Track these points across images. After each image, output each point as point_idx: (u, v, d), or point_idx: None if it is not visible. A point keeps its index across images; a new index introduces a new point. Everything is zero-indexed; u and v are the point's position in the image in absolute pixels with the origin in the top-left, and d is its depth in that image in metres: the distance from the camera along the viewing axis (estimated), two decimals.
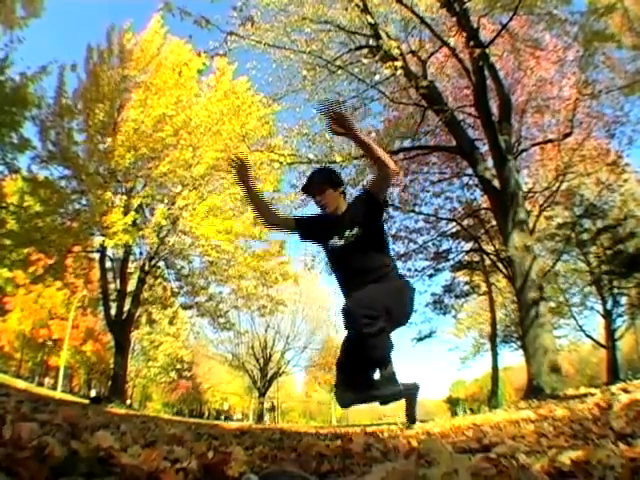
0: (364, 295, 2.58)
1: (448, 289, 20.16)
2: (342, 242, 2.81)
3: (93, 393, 28.72)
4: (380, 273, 2.74)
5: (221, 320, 20.62)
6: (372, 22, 9.95)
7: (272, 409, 34.39)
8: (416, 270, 17.67)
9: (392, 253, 3.41)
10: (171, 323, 22.64)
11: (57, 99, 16.73)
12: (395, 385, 2.66)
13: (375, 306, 2.52)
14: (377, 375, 2.73)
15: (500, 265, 16.05)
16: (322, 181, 2.91)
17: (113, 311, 18.10)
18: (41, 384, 30.34)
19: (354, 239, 2.76)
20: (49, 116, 16.62)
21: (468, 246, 18.38)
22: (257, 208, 3.05)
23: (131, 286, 19.03)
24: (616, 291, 19.70)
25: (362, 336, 2.52)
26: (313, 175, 3.04)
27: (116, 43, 17.76)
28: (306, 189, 3.00)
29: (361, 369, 2.80)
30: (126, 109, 16.75)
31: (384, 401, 2.75)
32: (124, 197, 16.62)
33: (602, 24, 10.36)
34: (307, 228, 3.05)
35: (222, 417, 37.75)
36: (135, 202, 16.47)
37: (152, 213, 17.80)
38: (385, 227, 3.01)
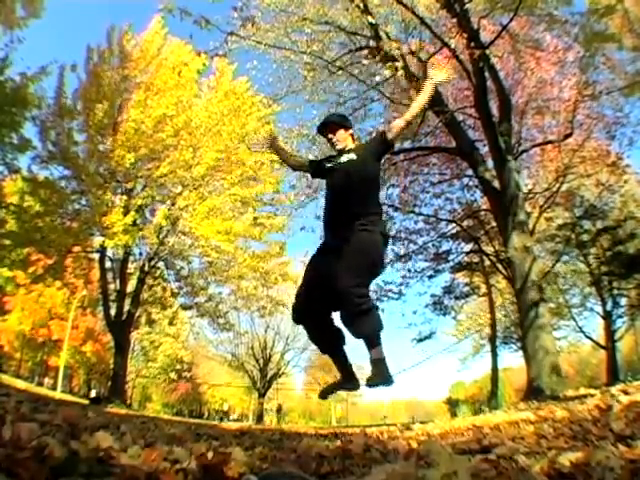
0: (350, 268, 2.67)
1: (448, 290, 20.16)
2: (336, 164, 3.12)
3: (93, 393, 28.64)
4: (363, 222, 2.82)
5: (221, 321, 20.60)
6: (373, 22, 9.95)
7: (279, 410, 34.15)
8: (416, 271, 17.69)
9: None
10: (171, 323, 22.62)
11: (57, 99, 16.72)
12: (385, 371, 2.64)
13: (363, 274, 2.74)
14: (368, 356, 2.69)
15: (500, 266, 16.04)
16: (335, 121, 3.31)
17: (113, 311, 18.09)
18: (41, 384, 30.32)
19: (347, 163, 3.04)
20: (49, 116, 16.61)
21: (468, 247, 18.38)
22: (283, 160, 3.69)
23: (131, 286, 19.01)
24: (616, 292, 19.68)
25: (356, 313, 2.65)
26: (327, 117, 3.46)
27: (116, 44, 17.74)
28: (321, 129, 3.34)
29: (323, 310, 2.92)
30: (126, 109, 16.73)
31: (372, 384, 2.68)
32: (124, 197, 16.60)
33: (602, 25, 10.37)
34: (317, 166, 3.39)
35: (216, 417, 37.52)
36: (135, 202, 16.45)
37: (152, 213, 17.79)
38: (380, 172, 3.35)
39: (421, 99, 3.20)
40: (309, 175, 3.77)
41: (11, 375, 25.18)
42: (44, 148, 16.64)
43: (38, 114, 15.97)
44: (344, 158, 3.08)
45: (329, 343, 3.00)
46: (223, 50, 9.33)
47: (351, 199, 2.89)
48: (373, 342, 2.68)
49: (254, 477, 1.22)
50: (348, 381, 2.98)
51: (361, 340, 2.71)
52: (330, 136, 3.22)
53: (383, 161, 3.39)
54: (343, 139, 3.20)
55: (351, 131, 3.30)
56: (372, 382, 2.65)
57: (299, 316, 2.96)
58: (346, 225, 2.81)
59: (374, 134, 3.41)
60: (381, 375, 2.63)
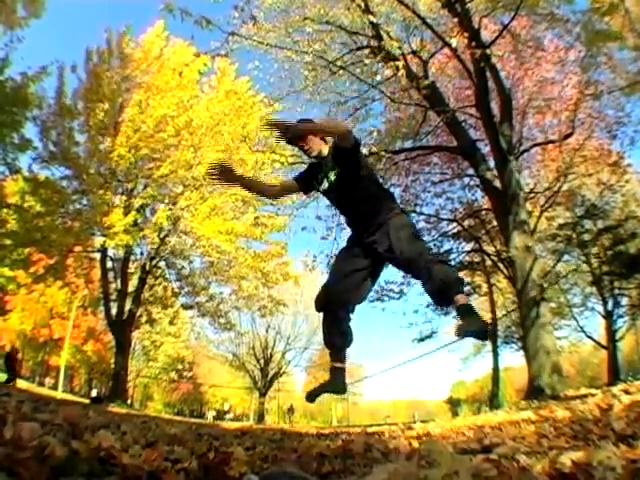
0: (405, 238, 2.66)
1: None
2: (330, 184, 2.96)
3: (94, 393, 28.64)
4: (385, 214, 2.79)
5: (222, 320, 20.62)
6: (374, 21, 9.93)
7: (290, 411, 33.96)
8: None
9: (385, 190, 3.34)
10: (172, 323, 22.65)
11: (58, 99, 16.76)
12: (480, 317, 2.48)
13: (419, 239, 2.84)
14: (456, 305, 2.52)
15: (501, 266, 16.02)
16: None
17: (114, 311, 18.13)
18: (42, 384, 30.34)
19: (337, 179, 2.91)
20: (50, 116, 16.65)
21: (469, 247, 18.35)
22: (259, 194, 3.47)
23: (132, 286, 19.05)
24: (617, 292, 19.67)
25: (435, 262, 2.61)
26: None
27: (115, 45, 17.76)
28: (290, 141, 3.06)
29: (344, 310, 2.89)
30: (127, 109, 16.75)
31: (467, 332, 2.49)
32: (125, 197, 16.63)
33: (604, 24, 10.36)
34: (304, 182, 3.20)
35: (210, 416, 37.44)
36: (136, 202, 16.47)
37: (153, 213, 17.80)
38: (364, 159, 3.11)
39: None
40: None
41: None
42: (45, 148, 16.69)
43: (39, 114, 16.03)
44: (331, 175, 2.93)
45: (341, 336, 2.93)
46: (224, 50, 9.32)
47: (363, 205, 2.85)
48: (457, 287, 2.54)
49: (255, 477, 1.22)
50: (337, 383, 2.87)
51: (442, 295, 2.58)
52: (301, 144, 3.04)
53: (366, 153, 3.25)
54: (316, 145, 3.03)
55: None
56: (467, 330, 2.46)
57: (324, 303, 2.90)
58: (372, 219, 2.78)
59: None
60: (476, 321, 2.44)
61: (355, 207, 2.91)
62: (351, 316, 2.92)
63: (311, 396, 2.97)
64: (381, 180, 3.33)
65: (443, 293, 2.56)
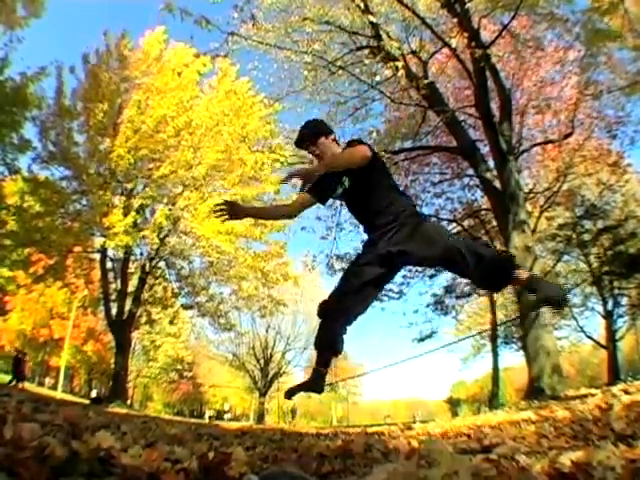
0: (435, 234, 2.61)
1: (449, 290, 20.16)
2: (345, 189, 2.85)
3: (94, 393, 28.68)
4: (404, 217, 2.69)
5: (221, 321, 20.62)
6: (373, 21, 9.93)
7: (293, 412, 33.90)
8: (417, 271, 17.68)
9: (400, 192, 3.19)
10: (171, 323, 22.63)
11: (57, 100, 16.77)
12: (548, 280, 2.45)
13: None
14: (521, 279, 2.42)
15: None
16: (313, 132, 2.93)
17: (114, 311, 18.13)
18: (42, 384, 30.38)
19: (353, 185, 2.81)
20: (49, 117, 16.65)
21: None
22: (276, 218, 3.21)
23: (132, 286, 19.05)
24: (617, 292, 19.68)
25: (480, 245, 2.60)
26: (303, 128, 3.01)
27: (114, 48, 17.76)
28: (299, 143, 3.00)
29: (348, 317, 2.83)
30: (126, 110, 16.74)
31: (548, 300, 2.37)
32: (124, 198, 16.64)
33: (604, 24, 10.36)
34: (319, 192, 3.00)
35: (207, 416, 37.43)
36: (136, 203, 16.47)
37: (153, 214, 17.80)
38: (379, 161, 2.92)
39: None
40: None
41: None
42: (44, 148, 16.70)
43: (38, 114, 16.01)
44: (346, 180, 2.83)
45: (334, 344, 2.89)
46: (224, 50, 9.33)
47: (379, 210, 2.73)
48: (513, 263, 2.48)
49: (255, 477, 1.22)
50: (316, 385, 2.88)
51: (499, 275, 2.46)
52: (312, 149, 2.92)
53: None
54: (327, 149, 2.90)
55: (333, 135, 2.99)
56: (548, 296, 2.32)
57: (327, 313, 2.82)
58: (390, 224, 2.67)
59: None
60: (554, 285, 2.36)
61: (371, 212, 2.79)
62: (348, 328, 2.87)
63: (290, 393, 3.00)
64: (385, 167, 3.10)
65: (500, 272, 2.46)
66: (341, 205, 11.01)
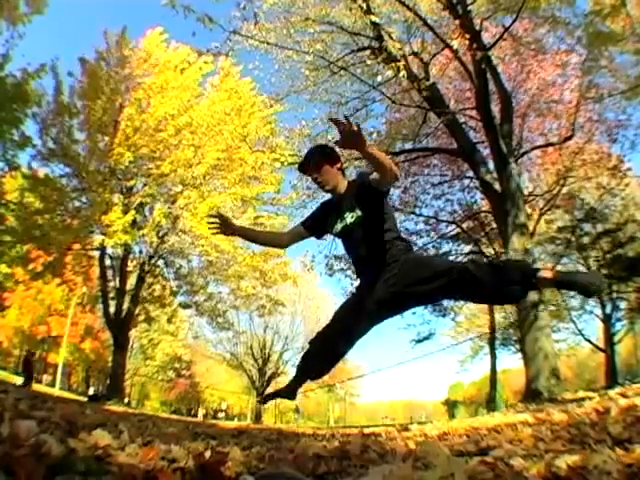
0: (426, 266, 2.54)
1: None
2: (345, 227, 2.71)
3: (91, 391, 28.65)
4: (395, 257, 2.60)
5: (219, 320, 20.61)
6: (375, 21, 9.92)
7: (297, 411, 33.88)
8: None
9: (399, 229, 3.05)
10: (169, 321, 22.64)
11: (56, 97, 16.74)
12: (578, 271, 2.38)
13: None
14: (548, 279, 2.29)
15: None
16: (318, 157, 2.80)
17: (112, 309, 18.10)
18: (39, 381, 30.32)
19: (357, 223, 2.65)
20: (49, 114, 16.62)
21: (468, 248, 18.35)
22: (264, 244, 3.29)
23: (130, 284, 19.04)
24: (615, 295, 19.69)
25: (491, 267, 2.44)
26: (309, 152, 2.92)
27: (114, 46, 17.73)
28: (302, 167, 2.90)
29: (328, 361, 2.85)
30: (127, 108, 16.72)
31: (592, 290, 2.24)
32: (124, 196, 16.62)
33: (605, 27, 10.38)
34: (315, 227, 2.97)
35: (200, 415, 37.42)
36: (135, 201, 16.45)
37: (152, 212, 17.79)
38: (388, 205, 2.78)
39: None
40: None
41: (10, 372, 25.19)
42: (44, 145, 16.65)
43: (38, 111, 15.99)
44: (348, 217, 2.67)
45: (314, 373, 3.00)
46: (226, 49, 9.33)
47: (377, 257, 2.60)
48: (531, 265, 2.43)
49: (251, 477, 1.22)
50: (291, 394, 2.96)
51: (524, 282, 2.32)
52: (315, 176, 2.77)
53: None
54: (332, 178, 2.76)
55: (339, 164, 2.83)
56: (590, 284, 2.20)
57: (316, 346, 2.82)
58: (387, 272, 2.54)
59: (359, 180, 2.77)
60: (587, 274, 2.31)
61: (368, 258, 2.65)
62: (334, 360, 2.92)
63: (266, 398, 3.12)
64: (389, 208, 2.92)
65: (523, 275, 2.33)
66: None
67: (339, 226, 2.74)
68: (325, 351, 2.80)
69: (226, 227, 2.86)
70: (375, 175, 2.49)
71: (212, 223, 2.84)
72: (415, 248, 17.18)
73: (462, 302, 18.80)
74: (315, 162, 2.78)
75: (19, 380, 15.99)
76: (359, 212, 2.64)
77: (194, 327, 28.18)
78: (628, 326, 21.89)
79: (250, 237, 3.29)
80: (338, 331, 2.71)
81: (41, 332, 30.91)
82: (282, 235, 3.21)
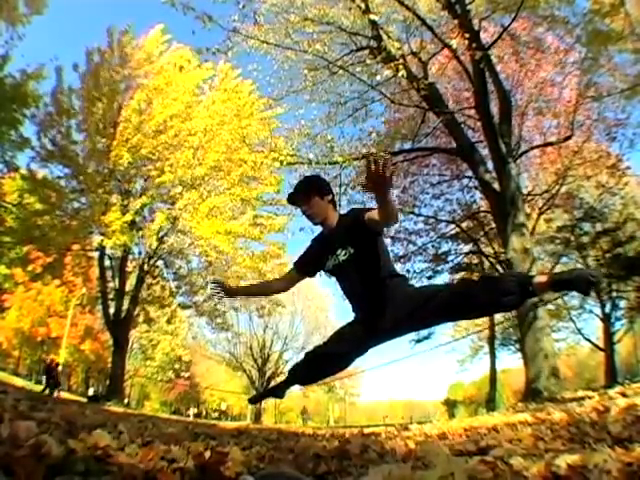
0: (422, 295, 2.56)
1: None
2: (337, 264, 2.65)
3: (91, 392, 28.59)
4: (391, 291, 2.56)
5: (219, 320, 20.62)
6: (375, 19, 9.91)
7: (304, 412, 33.92)
8: (415, 272, 17.66)
9: (392, 262, 3.04)
10: (169, 322, 22.64)
11: (56, 98, 16.73)
12: (571, 270, 2.39)
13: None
14: (546, 283, 2.26)
15: (499, 267, 16.02)
16: (308, 189, 2.72)
17: (112, 310, 18.10)
18: (39, 382, 30.29)
19: (349, 260, 2.60)
20: (48, 115, 16.62)
21: (467, 248, 18.36)
22: (264, 295, 3.38)
23: (130, 285, 19.04)
24: (615, 294, 19.70)
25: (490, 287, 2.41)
26: (298, 184, 2.84)
27: (116, 45, 17.72)
28: (291, 199, 2.82)
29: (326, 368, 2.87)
30: (126, 110, 16.72)
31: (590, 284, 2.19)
32: (122, 197, 16.62)
33: (605, 25, 10.38)
34: (308, 266, 2.94)
35: (192, 414, 37.43)
36: (134, 202, 16.45)
37: (151, 212, 17.78)
38: (383, 241, 2.71)
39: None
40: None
41: (9, 373, 25.19)
42: (43, 147, 16.65)
43: (37, 112, 15.98)
44: (341, 254, 2.61)
45: (306, 381, 3.11)
46: (225, 48, 9.33)
47: (370, 287, 2.56)
48: (526, 274, 2.45)
49: (251, 477, 1.22)
50: (279, 393, 3.02)
51: (523, 290, 2.28)
52: (304, 208, 2.70)
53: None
54: (322, 211, 2.69)
55: (330, 197, 2.74)
56: (585, 280, 2.17)
57: (312, 359, 2.82)
58: (383, 309, 2.51)
59: (352, 216, 2.66)
60: (579, 273, 2.23)
61: (364, 295, 2.59)
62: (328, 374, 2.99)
63: (255, 400, 3.31)
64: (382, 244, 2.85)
65: (521, 284, 2.29)
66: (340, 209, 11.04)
67: (331, 263, 2.69)
68: (320, 366, 2.84)
69: (227, 292, 2.94)
70: (373, 215, 2.37)
71: (215, 289, 2.93)
72: (414, 248, 17.21)
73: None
74: (304, 194, 2.71)
75: (39, 387, 16.10)
76: (351, 249, 2.58)
77: (193, 328, 28.18)
78: (628, 325, 21.91)
79: (250, 293, 3.61)
80: (334, 353, 2.75)
81: (41, 333, 30.91)
82: (279, 284, 3.17)
